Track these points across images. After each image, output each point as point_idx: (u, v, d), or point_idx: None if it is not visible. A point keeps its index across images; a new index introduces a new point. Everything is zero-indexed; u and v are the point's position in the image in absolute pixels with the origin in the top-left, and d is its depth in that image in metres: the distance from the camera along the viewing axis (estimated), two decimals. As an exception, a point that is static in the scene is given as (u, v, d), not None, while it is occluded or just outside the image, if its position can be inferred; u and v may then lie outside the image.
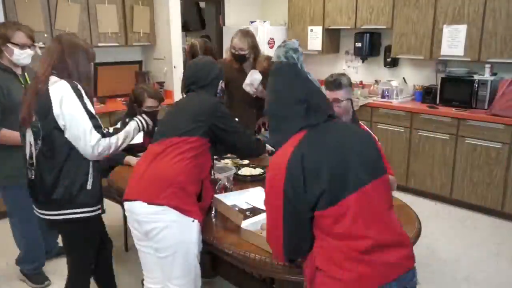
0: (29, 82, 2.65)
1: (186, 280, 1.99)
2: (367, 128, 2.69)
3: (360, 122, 2.70)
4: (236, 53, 3.12)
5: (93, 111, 2.03)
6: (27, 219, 2.82)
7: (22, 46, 2.53)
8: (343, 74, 2.59)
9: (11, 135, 2.53)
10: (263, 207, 2.10)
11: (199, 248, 1.97)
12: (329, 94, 2.54)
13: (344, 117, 2.55)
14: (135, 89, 3.12)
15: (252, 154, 2.50)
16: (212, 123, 2.03)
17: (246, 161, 2.80)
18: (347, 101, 2.54)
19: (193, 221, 1.90)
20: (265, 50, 5.43)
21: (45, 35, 4.10)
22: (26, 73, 2.70)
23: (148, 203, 1.89)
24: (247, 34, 3.14)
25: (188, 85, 2.20)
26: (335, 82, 2.53)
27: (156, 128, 2.22)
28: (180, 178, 1.90)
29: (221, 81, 2.25)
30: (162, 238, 1.91)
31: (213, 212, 2.11)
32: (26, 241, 2.89)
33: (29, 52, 2.57)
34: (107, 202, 3.48)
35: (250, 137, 2.43)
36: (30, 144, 2.08)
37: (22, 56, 2.55)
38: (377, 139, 2.61)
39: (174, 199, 1.87)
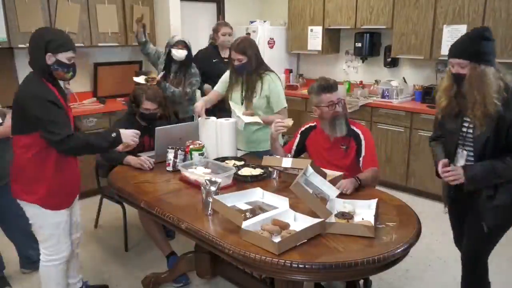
0: None
1: (47, 244, 2.35)
2: (357, 124, 2.67)
3: (355, 121, 2.71)
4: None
5: None
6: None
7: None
8: (327, 78, 2.65)
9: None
10: (263, 208, 2.12)
11: (63, 219, 2.32)
12: (328, 97, 2.54)
13: (342, 116, 2.57)
14: (135, 90, 3.13)
15: (63, 150, 2.19)
16: (30, 118, 2.10)
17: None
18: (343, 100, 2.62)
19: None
20: (265, 50, 5.44)
21: (45, 35, 4.09)
22: None
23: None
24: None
25: None
26: (329, 85, 2.57)
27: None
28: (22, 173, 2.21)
29: (50, 54, 2.11)
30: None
31: (209, 211, 2.12)
32: None
33: None
34: (107, 202, 3.50)
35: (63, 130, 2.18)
36: None
37: None
38: (365, 131, 2.63)
39: (26, 195, 2.23)
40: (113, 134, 2.27)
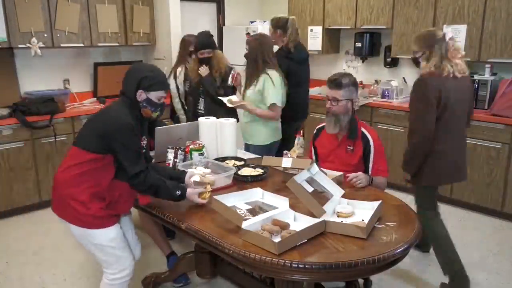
0: None
1: (107, 263, 2.19)
2: (369, 128, 2.69)
3: (362, 122, 2.71)
4: None
5: None
6: None
7: None
8: (348, 74, 2.62)
9: None
10: (263, 208, 2.12)
11: (113, 236, 2.14)
12: (329, 92, 2.58)
13: (342, 116, 2.57)
14: None
15: (133, 184, 2.10)
16: (110, 143, 2.01)
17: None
18: (347, 101, 2.55)
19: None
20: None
21: (45, 35, 4.10)
22: None
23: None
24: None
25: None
26: (335, 82, 2.56)
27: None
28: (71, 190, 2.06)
29: (142, 91, 2.07)
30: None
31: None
32: None
33: None
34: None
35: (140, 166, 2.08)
36: None
37: None
38: (376, 138, 2.64)
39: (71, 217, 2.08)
40: (178, 192, 2.14)
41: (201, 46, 3.64)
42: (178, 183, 2.23)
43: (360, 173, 2.49)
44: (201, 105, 3.81)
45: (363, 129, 2.63)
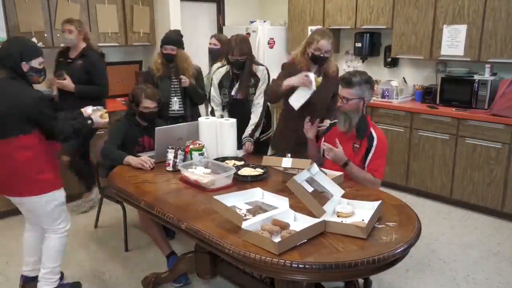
0: None
1: (61, 219, 2.62)
2: (378, 130, 2.67)
3: (373, 123, 2.71)
4: (322, 55, 2.92)
5: None
6: None
7: None
8: (361, 72, 2.61)
9: None
10: (263, 208, 2.12)
11: (64, 193, 2.61)
12: (340, 91, 2.60)
13: (353, 114, 2.58)
14: (134, 89, 3.15)
15: (64, 138, 2.53)
16: (36, 119, 2.36)
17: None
18: (358, 100, 2.56)
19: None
20: (265, 50, 5.45)
21: (45, 35, 4.10)
22: None
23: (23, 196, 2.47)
24: (331, 36, 2.96)
25: None
26: (345, 80, 2.57)
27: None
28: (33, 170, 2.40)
29: (24, 63, 2.36)
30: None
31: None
32: None
33: None
34: (107, 202, 3.50)
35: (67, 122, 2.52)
36: None
37: None
38: (382, 140, 2.62)
39: (38, 190, 2.44)
40: (89, 121, 2.59)
41: (165, 41, 3.64)
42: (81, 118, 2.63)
43: (338, 150, 2.51)
44: (175, 106, 3.74)
45: (372, 130, 2.62)
